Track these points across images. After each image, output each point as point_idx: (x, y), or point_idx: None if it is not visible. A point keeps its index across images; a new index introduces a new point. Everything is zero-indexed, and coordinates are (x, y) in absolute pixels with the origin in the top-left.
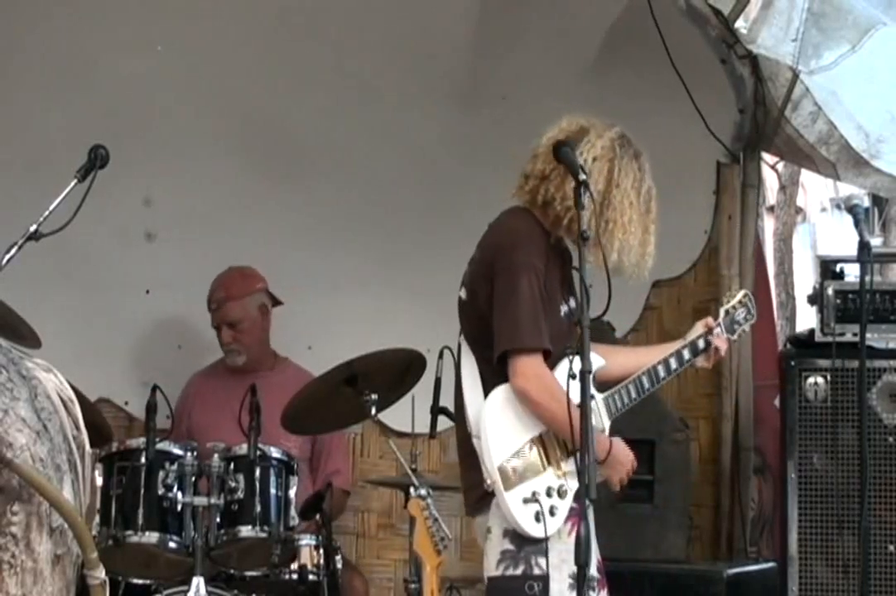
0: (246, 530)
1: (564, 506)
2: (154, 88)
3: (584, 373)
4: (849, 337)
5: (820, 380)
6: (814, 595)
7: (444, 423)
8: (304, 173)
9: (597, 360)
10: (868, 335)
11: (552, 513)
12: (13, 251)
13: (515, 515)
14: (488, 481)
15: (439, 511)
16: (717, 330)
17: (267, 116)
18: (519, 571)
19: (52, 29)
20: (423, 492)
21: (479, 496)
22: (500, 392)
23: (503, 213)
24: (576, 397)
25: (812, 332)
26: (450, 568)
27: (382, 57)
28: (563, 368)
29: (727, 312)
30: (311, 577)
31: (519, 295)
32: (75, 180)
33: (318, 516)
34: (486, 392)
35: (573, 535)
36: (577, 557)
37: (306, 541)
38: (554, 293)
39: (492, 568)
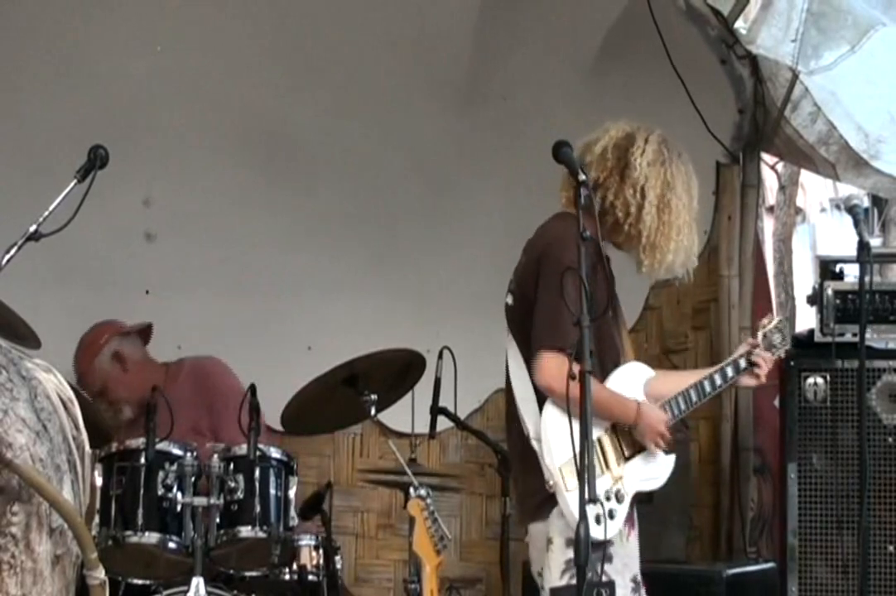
0: (246, 531)
1: (622, 510)
2: (154, 88)
3: (585, 373)
4: (848, 337)
5: (819, 380)
6: (813, 595)
7: (443, 423)
8: (304, 173)
9: (646, 371)
10: (868, 335)
11: (611, 516)
12: (13, 251)
13: (578, 517)
14: (550, 482)
15: (439, 511)
16: (757, 350)
17: (267, 116)
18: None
19: (53, 29)
20: (422, 492)
21: (538, 502)
22: None
23: (551, 217)
24: (625, 391)
25: (812, 332)
26: (449, 568)
27: (382, 57)
28: (619, 372)
29: (765, 335)
30: (310, 577)
31: (561, 295)
32: (75, 180)
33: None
34: (539, 394)
35: (632, 539)
36: (576, 556)
37: (306, 541)
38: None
39: (555, 579)
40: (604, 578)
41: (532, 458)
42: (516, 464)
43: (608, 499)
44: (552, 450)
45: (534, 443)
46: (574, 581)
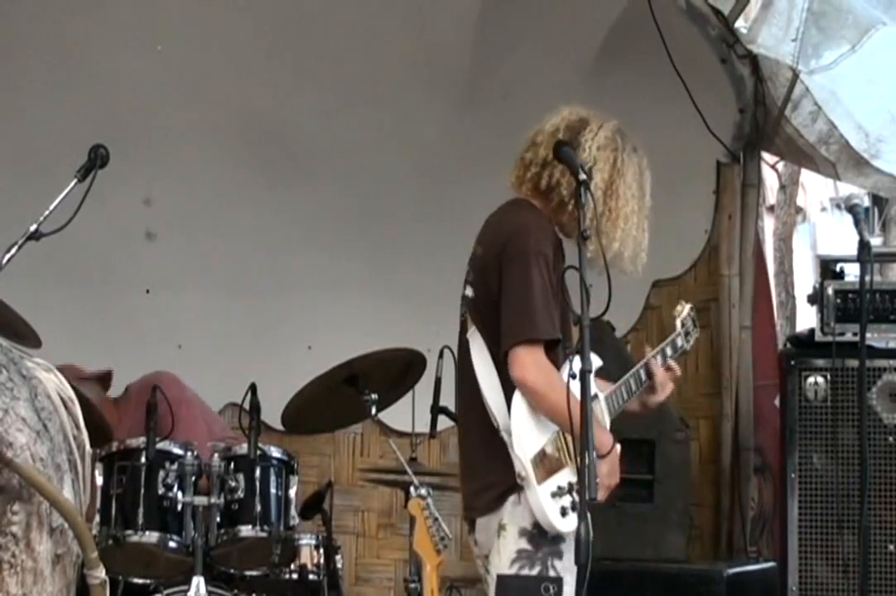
0: (246, 530)
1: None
2: (154, 88)
3: (585, 373)
4: (849, 336)
5: (820, 379)
6: (814, 595)
7: (444, 422)
8: (304, 173)
9: (596, 360)
10: (868, 335)
11: (573, 508)
12: (13, 251)
13: (546, 510)
14: (522, 474)
15: (439, 511)
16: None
17: (267, 116)
18: (535, 572)
19: (53, 29)
20: (423, 491)
21: (497, 495)
22: None
23: (505, 206)
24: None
25: (812, 331)
26: (450, 568)
27: (382, 57)
28: (567, 366)
29: (682, 322)
30: (311, 576)
31: (530, 284)
32: (75, 180)
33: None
34: (505, 386)
35: None
36: (577, 556)
37: (306, 540)
38: (561, 284)
39: (504, 566)
40: (552, 574)
41: (499, 450)
42: (477, 458)
43: (571, 490)
44: (522, 442)
45: (503, 434)
46: (524, 571)
